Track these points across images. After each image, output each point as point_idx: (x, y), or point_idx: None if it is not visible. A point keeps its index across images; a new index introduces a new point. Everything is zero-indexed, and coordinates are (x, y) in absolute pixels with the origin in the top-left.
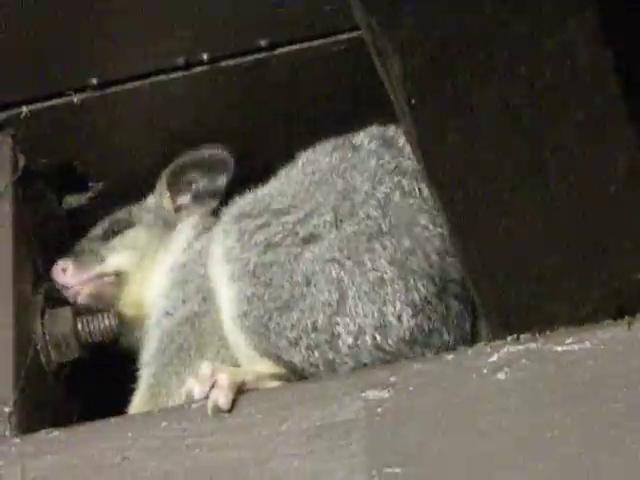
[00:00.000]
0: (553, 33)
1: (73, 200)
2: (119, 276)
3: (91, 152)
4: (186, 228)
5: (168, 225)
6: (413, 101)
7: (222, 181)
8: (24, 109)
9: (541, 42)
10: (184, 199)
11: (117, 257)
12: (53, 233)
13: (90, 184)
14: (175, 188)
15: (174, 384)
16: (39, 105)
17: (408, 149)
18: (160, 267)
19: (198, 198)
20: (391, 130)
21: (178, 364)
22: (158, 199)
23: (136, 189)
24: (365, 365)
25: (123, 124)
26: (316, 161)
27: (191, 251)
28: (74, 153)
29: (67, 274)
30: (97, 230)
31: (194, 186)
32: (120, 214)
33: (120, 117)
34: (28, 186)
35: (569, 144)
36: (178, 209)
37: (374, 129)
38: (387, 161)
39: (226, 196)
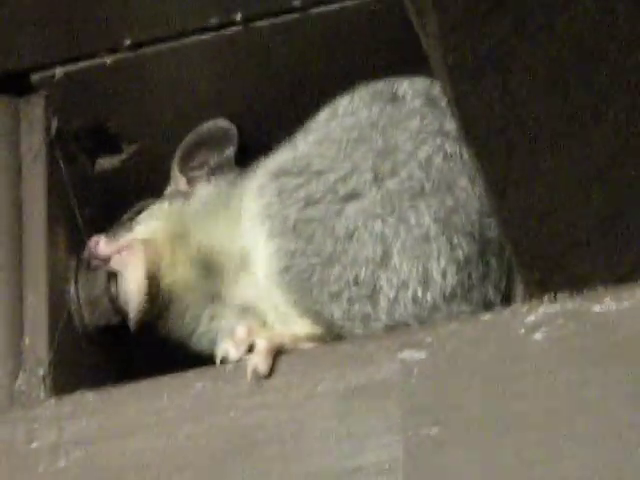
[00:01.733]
0: None
1: (106, 162)
2: (148, 243)
3: (124, 114)
4: (205, 191)
5: (188, 197)
6: (449, 60)
7: (230, 152)
8: (57, 70)
9: None
10: (200, 181)
11: (144, 226)
12: (86, 196)
13: (123, 146)
14: (189, 173)
15: None
16: (72, 66)
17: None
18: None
19: (212, 175)
20: (436, 88)
21: None
22: (174, 187)
23: (170, 151)
24: (397, 322)
25: (156, 85)
26: (354, 113)
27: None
28: (107, 115)
29: (100, 245)
30: (126, 216)
31: (206, 166)
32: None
33: (153, 78)
34: (61, 148)
35: (609, 96)
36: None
37: (419, 83)
38: (430, 121)
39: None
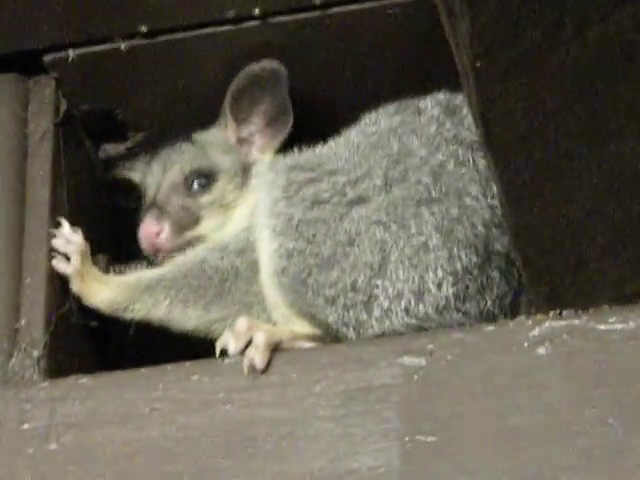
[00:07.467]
0: None
1: (111, 149)
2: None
3: (133, 101)
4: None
5: (246, 174)
6: (478, 63)
7: (284, 92)
8: (70, 52)
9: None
10: (249, 129)
11: (212, 220)
12: (89, 180)
13: (129, 134)
14: (239, 116)
15: None
16: (86, 49)
17: (469, 120)
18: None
19: (268, 119)
20: (457, 99)
21: None
22: (222, 130)
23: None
24: (388, 330)
25: (168, 75)
26: (377, 122)
27: None
28: (116, 101)
29: (162, 237)
30: (175, 175)
31: (259, 107)
32: (198, 160)
33: (165, 68)
34: (68, 131)
35: (636, 111)
36: (242, 141)
37: (441, 95)
38: (447, 129)
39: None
